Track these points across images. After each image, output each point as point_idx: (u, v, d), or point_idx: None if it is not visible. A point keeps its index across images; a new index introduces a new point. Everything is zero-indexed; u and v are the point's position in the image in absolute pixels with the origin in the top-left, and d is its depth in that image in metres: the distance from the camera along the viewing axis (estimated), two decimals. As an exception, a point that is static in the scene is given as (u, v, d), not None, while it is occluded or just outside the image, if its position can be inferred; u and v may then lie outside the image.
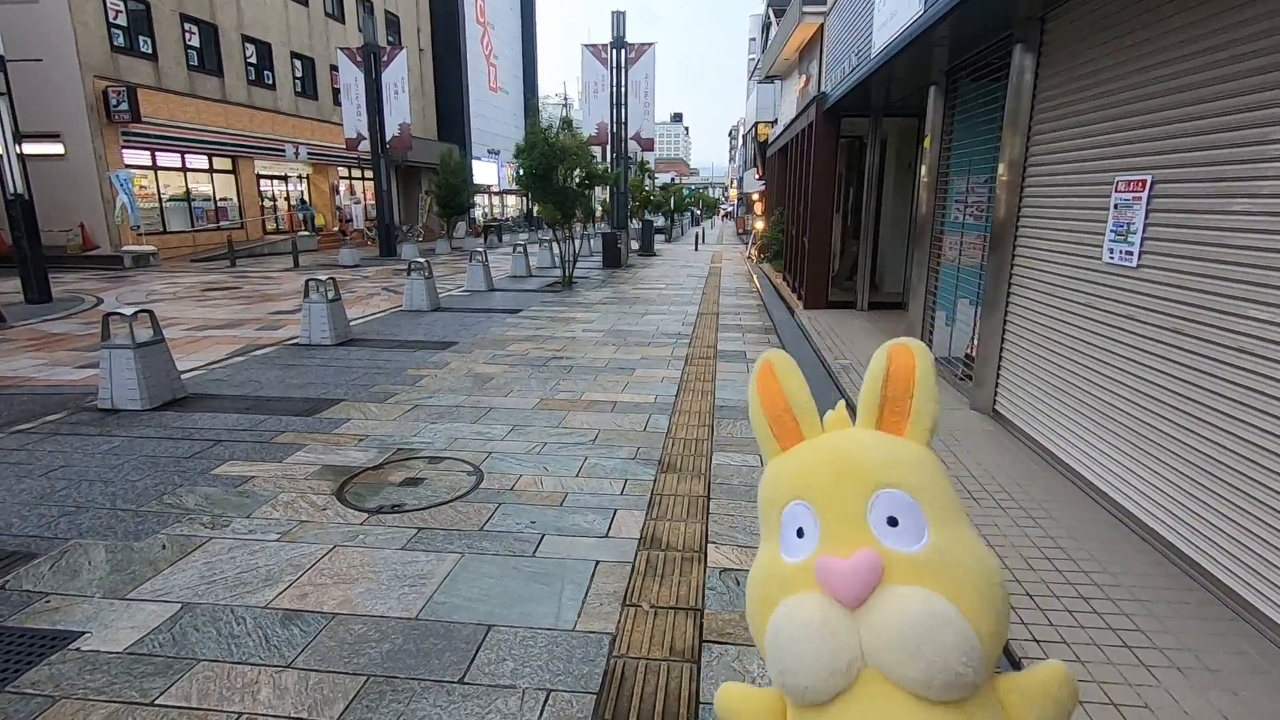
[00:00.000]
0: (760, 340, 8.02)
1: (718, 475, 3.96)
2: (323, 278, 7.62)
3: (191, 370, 6.39)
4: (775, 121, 30.60)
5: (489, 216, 38.67)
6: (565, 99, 47.56)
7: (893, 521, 0.79)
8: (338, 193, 27.22)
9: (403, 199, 27.73)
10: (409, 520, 3.38)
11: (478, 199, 33.85)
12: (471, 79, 36.06)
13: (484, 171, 36.43)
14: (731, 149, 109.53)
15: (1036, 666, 0.85)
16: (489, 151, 38.82)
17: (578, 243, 13.69)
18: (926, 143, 6.38)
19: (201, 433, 4.65)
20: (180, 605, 2.66)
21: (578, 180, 13.12)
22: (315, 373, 6.31)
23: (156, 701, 2.14)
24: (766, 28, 40.82)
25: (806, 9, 17.91)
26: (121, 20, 17.00)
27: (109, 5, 16.58)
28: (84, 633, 2.49)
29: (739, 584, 2.80)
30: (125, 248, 16.69)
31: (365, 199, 28.72)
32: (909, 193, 9.25)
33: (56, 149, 16.26)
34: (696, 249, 26.24)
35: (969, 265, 5.91)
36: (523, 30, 45.13)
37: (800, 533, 0.84)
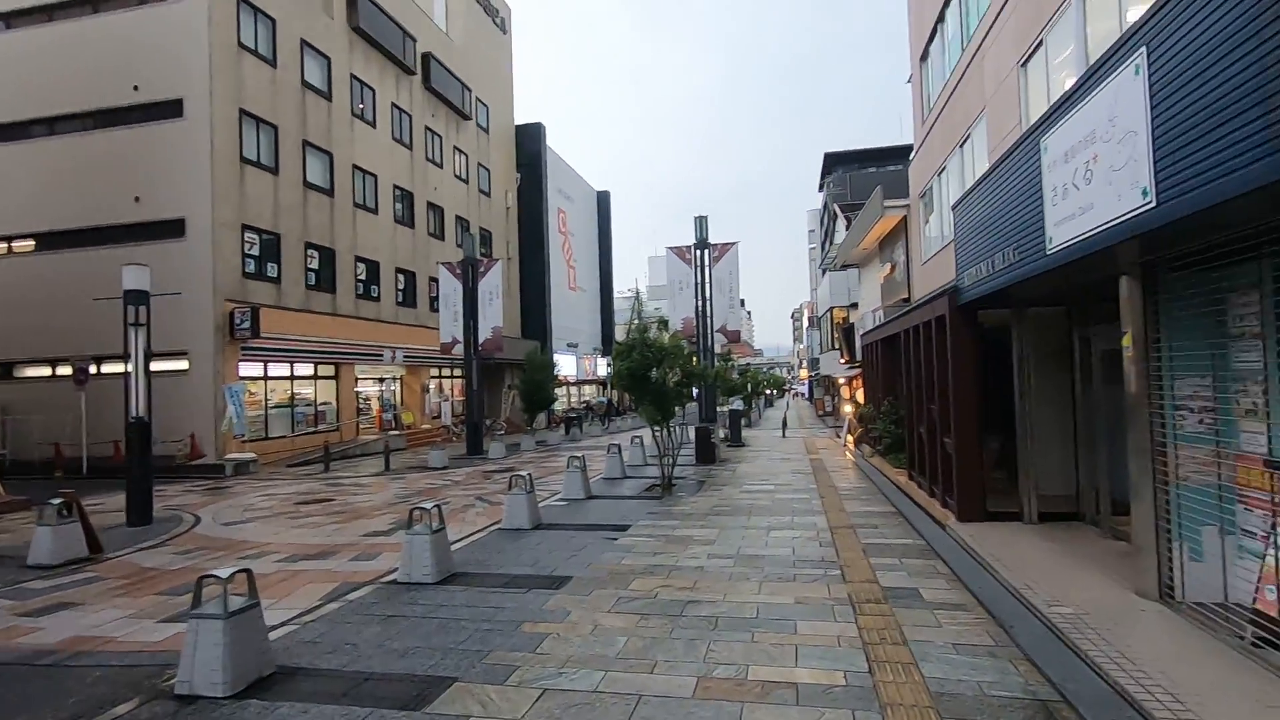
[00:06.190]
0: (927, 570, 6.69)
1: None
2: (428, 506, 6.96)
3: (282, 625, 5.58)
4: (855, 306, 30.80)
5: (567, 407, 39.22)
6: (636, 293, 50.28)
7: None
8: (427, 391, 28.15)
9: (487, 393, 28.35)
10: None
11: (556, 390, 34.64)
12: (554, 280, 38.60)
13: (563, 364, 37.54)
14: (795, 330, 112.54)
15: None
16: (567, 345, 40.41)
17: (677, 441, 12.96)
18: (1126, 340, 5.49)
19: (290, 743, 3.69)
20: None
21: (675, 380, 12.73)
22: (418, 630, 5.38)
23: None
24: (827, 219, 42.99)
25: (889, 204, 18.39)
26: (255, 250, 18.88)
27: (245, 239, 18.53)
28: None
29: None
30: (227, 456, 17.05)
31: (453, 396, 29.58)
32: (1062, 385, 8.20)
33: (182, 365, 17.36)
34: (784, 435, 25.22)
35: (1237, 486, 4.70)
36: (599, 233, 49.06)
37: None
